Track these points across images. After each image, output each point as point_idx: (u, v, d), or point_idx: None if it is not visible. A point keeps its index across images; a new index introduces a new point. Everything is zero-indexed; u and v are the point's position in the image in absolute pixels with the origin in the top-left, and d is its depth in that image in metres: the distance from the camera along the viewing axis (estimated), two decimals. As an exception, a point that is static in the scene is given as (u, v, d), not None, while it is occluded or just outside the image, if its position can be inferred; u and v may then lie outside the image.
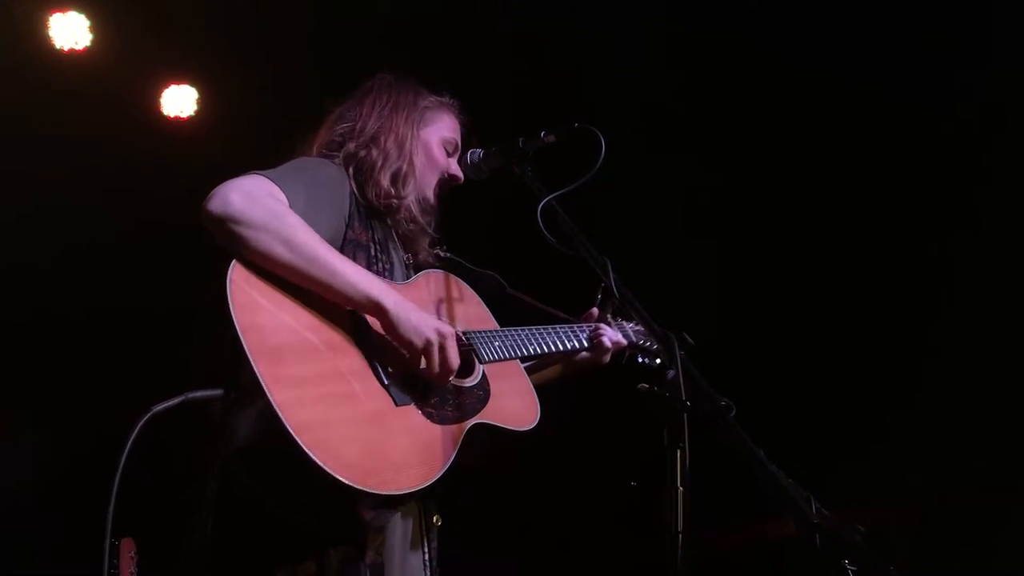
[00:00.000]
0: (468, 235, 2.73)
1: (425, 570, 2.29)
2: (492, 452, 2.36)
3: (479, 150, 2.57)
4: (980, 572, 4.40)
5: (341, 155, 2.47)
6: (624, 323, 3.02)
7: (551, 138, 2.41)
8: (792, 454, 2.03)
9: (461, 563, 2.50)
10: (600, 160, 2.28)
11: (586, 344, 2.80)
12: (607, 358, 2.87)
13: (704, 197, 5.34)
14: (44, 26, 4.84)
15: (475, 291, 2.61)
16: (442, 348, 2.18)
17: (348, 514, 2.01)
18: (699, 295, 3.15)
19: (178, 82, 5.25)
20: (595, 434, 5.23)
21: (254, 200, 2.09)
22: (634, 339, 2.98)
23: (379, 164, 2.46)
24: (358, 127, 2.52)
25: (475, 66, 4.86)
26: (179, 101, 5.26)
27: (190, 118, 5.28)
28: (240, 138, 5.22)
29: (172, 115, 5.26)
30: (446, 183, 2.62)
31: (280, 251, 2.07)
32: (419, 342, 2.17)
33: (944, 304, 4.83)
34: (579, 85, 4.96)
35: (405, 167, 2.49)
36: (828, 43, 4.80)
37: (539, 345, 2.59)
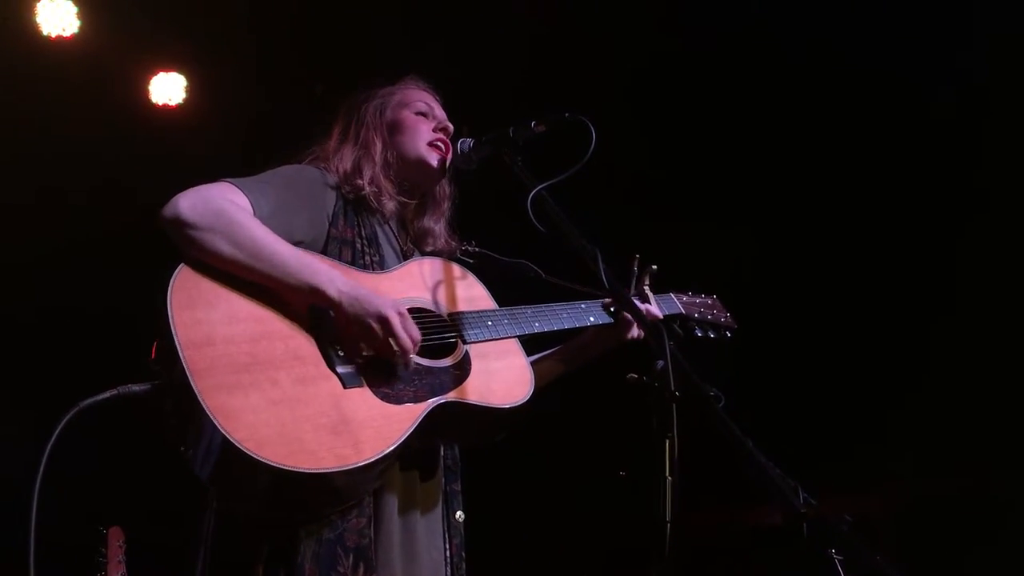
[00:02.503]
0: (501, 228, 2.71)
1: (446, 567, 2.29)
2: (490, 431, 2.34)
3: (469, 140, 2.56)
4: (963, 560, 4.44)
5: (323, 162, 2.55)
6: (674, 295, 2.96)
7: (541, 127, 2.40)
8: (780, 444, 2.04)
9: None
10: (591, 150, 2.27)
11: (610, 319, 2.70)
12: (636, 332, 2.72)
13: (702, 187, 5.34)
14: (31, 12, 4.81)
15: (511, 280, 2.61)
16: (390, 327, 2.17)
17: (300, 498, 2.00)
18: (690, 287, 3.14)
19: (166, 69, 5.23)
20: (585, 424, 5.25)
21: (204, 202, 2.15)
22: (683, 311, 2.91)
23: (340, 159, 2.53)
24: (330, 146, 2.61)
25: (469, 53, 4.85)
26: (167, 89, 5.24)
27: (179, 106, 5.26)
28: (228, 126, 5.20)
29: (160, 103, 5.24)
30: (438, 138, 2.62)
31: (226, 248, 2.12)
32: (367, 323, 2.17)
33: (934, 296, 4.85)
34: (576, 73, 4.96)
35: (360, 153, 2.55)
36: (826, 30, 4.81)
37: (549, 323, 2.55)
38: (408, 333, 2.20)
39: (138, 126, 5.21)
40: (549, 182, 2.23)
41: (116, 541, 3.90)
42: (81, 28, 4.87)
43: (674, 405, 1.76)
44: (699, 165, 5.31)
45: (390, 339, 2.18)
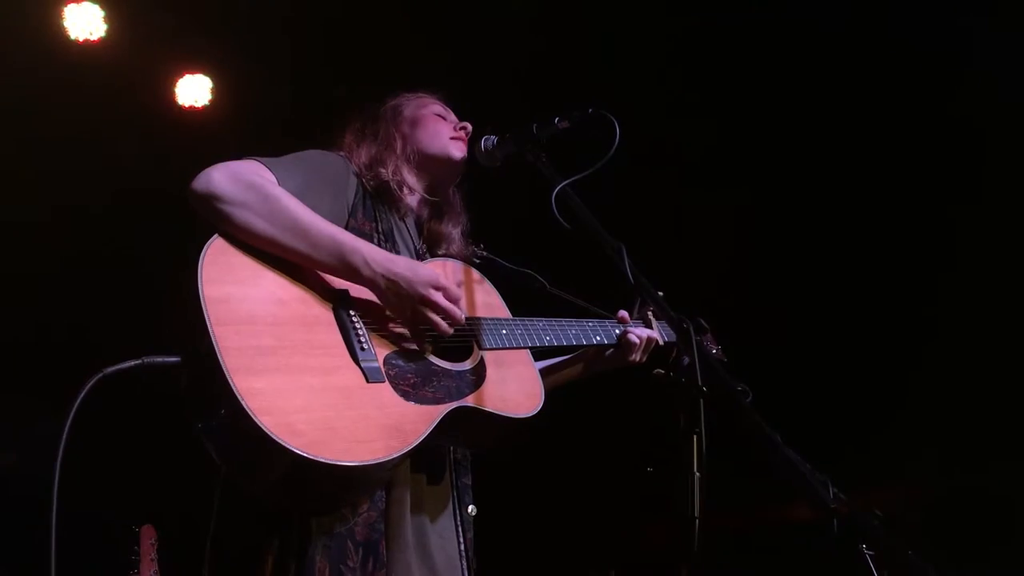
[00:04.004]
0: (512, 235, 2.72)
1: (461, 560, 2.30)
2: (501, 438, 2.35)
3: (492, 137, 2.56)
4: (991, 556, 4.39)
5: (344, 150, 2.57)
6: None
7: (565, 124, 2.39)
8: (805, 437, 2.02)
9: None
10: (615, 146, 2.26)
11: (614, 340, 2.74)
12: (637, 355, 2.77)
13: (714, 184, 5.30)
14: (59, 17, 4.86)
15: (515, 289, 2.62)
16: (434, 304, 2.20)
17: (313, 487, 2.00)
18: (706, 283, 3.13)
19: (193, 71, 5.27)
20: (612, 420, 5.23)
21: (237, 177, 2.14)
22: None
23: (359, 156, 2.55)
24: (346, 141, 2.62)
25: (490, 51, 4.85)
26: (194, 90, 5.28)
27: (205, 107, 5.30)
28: (255, 127, 5.24)
29: (187, 105, 5.28)
30: (460, 134, 2.65)
31: (260, 223, 2.10)
32: (407, 302, 2.19)
33: (952, 290, 4.80)
34: (593, 62, 4.95)
35: (381, 148, 2.56)
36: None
37: (557, 337, 2.57)
38: (451, 306, 2.22)
39: (165, 128, 5.25)
40: (573, 178, 2.21)
41: (148, 539, 3.94)
42: (108, 32, 4.92)
43: (702, 400, 1.75)
44: (699, 165, 5.28)
45: (435, 315, 2.20)
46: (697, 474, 1.72)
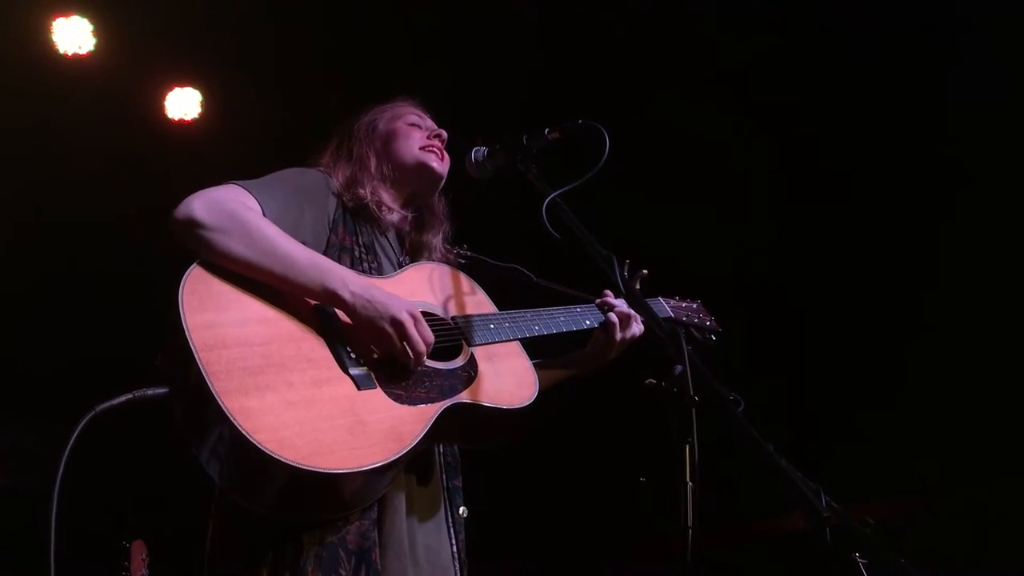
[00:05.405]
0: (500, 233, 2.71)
1: (454, 562, 2.31)
2: (499, 432, 2.35)
3: (483, 148, 2.55)
4: (985, 564, 4.39)
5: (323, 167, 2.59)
6: (662, 300, 2.97)
7: (555, 135, 2.40)
8: (798, 447, 2.03)
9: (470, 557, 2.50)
10: (604, 156, 2.27)
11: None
12: (622, 331, 2.70)
13: (711, 186, 5.31)
14: (47, 30, 4.86)
15: (503, 286, 2.63)
16: (404, 330, 2.19)
17: (314, 498, 2.01)
18: (704, 285, 3.14)
19: (182, 85, 5.27)
20: (606, 428, 5.23)
21: (216, 204, 2.17)
22: (672, 315, 2.92)
23: (340, 172, 2.56)
24: (324, 160, 2.64)
25: (480, 63, 4.86)
26: (183, 104, 5.28)
27: (194, 120, 5.30)
28: (244, 140, 5.24)
29: (176, 118, 5.28)
30: (434, 143, 2.66)
31: (239, 249, 2.13)
32: (381, 326, 2.18)
33: (952, 292, 4.80)
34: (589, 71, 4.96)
35: (356, 168, 2.57)
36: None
37: (547, 326, 2.58)
38: (422, 336, 2.22)
39: (154, 141, 5.25)
40: (563, 189, 2.22)
41: (139, 554, 3.92)
42: (97, 45, 4.91)
43: (694, 410, 1.76)
44: (691, 166, 5.29)
45: (404, 342, 2.19)
46: (690, 484, 1.72)
